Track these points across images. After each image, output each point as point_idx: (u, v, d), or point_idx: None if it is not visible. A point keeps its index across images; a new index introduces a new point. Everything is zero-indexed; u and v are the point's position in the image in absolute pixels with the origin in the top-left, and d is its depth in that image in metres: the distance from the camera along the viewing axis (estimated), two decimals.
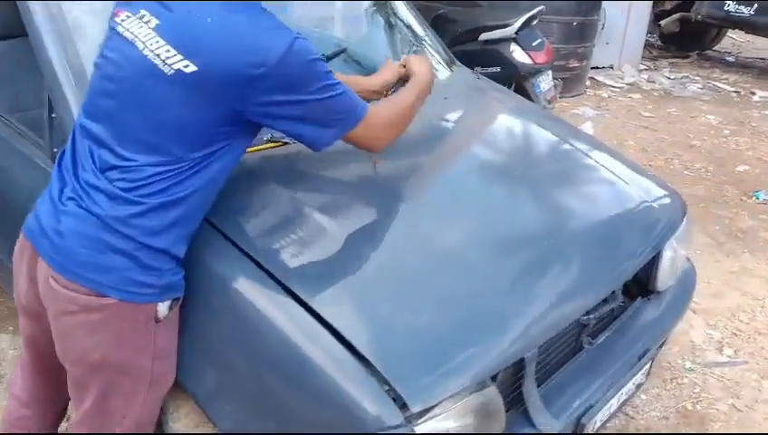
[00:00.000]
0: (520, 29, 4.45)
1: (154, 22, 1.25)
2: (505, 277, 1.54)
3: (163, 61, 1.23)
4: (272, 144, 1.73)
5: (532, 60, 4.46)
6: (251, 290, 1.36)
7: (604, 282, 1.66)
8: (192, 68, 1.21)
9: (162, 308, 1.35)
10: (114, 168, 1.28)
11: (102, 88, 1.32)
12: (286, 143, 1.72)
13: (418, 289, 1.43)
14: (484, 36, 4.52)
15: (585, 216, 1.83)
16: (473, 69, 4.53)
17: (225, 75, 1.21)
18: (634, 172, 2.09)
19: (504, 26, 4.45)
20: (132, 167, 1.27)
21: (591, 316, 1.65)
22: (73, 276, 1.27)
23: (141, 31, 1.26)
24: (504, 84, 4.48)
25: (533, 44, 4.49)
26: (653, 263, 1.89)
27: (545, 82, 4.60)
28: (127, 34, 1.28)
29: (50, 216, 1.30)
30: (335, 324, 1.29)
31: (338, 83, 1.34)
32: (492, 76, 4.51)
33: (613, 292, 1.74)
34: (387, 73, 1.79)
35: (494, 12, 4.83)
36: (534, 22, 4.56)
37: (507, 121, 2.24)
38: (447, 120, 2.11)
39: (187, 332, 1.43)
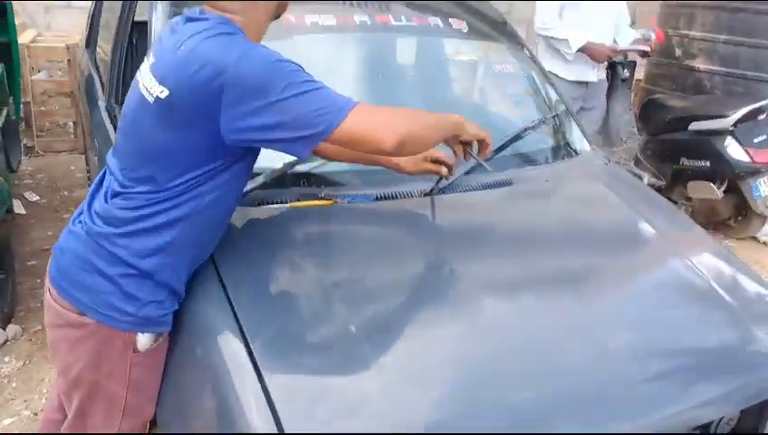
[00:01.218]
0: (740, 121, 3.89)
1: (152, 60, 1.35)
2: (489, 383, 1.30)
3: (148, 91, 1.31)
4: (323, 201, 1.70)
5: (751, 158, 3.86)
6: (217, 340, 1.33)
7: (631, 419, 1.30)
8: (165, 92, 1.27)
9: (142, 339, 1.39)
10: (117, 194, 1.37)
11: (119, 127, 1.44)
12: (336, 202, 1.69)
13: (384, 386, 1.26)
14: (694, 126, 4.04)
15: (659, 342, 1.47)
16: (679, 161, 4.13)
17: (191, 93, 1.25)
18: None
19: (721, 117, 3.93)
20: (128, 193, 1.35)
21: None
22: (62, 292, 1.37)
23: (144, 70, 1.36)
24: (714, 182, 3.98)
25: (755, 141, 3.88)
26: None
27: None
28: (138, 76, 1.38)
29: (63, 235, 1.43)
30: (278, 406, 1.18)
31: (313, 80, 1.27)
32: (699, 171, 4.04)
33: None
34: None
35: (713, 102, 4.30)
36: (762, 116, 3.95)
37: (606, 219, 1.91)
38: (525, 207, 1.88)
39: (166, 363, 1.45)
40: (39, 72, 5.48)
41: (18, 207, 3.84)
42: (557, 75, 3.74)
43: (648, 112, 4.52)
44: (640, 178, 3.21)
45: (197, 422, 1.32)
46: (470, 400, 1.26)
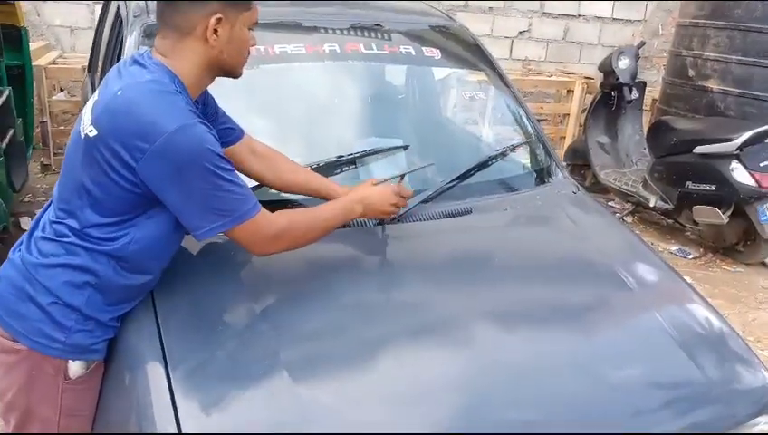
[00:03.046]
0: (746, 145, 3.80)
1: (96, 97, 1.39)
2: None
3: (83, 128, 1.35)
4: None
5: (758, 183, 3.77)
6: (140, 368, 1.34)
7: None
8: (94, 132, 1.31)
9: (74, 367, 1.41)
10: (51, 225, 1.41)
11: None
12: None
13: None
14: (699, 149, 3.96)
15: (602, 377, 1.45)
16: (684, 184, 4.05)
17: (116, 141, 1.28)
18: (713, 345, 1.63)
19: (726, 140, 3.84)
20: (57, 225, 1.38)
21: None
22: None
23: (88, 105, 1.40)
24: (720, 207, 3.88)
25: (761, 165, 3.79)
26: None
27: None
28: (83, 110, 1.42)
29: (4, 264, 1.47)
30: None
31: (229, 179, 1.32)
32: (705, 195, 3.96)
33: None
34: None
35: (719, 125, 4.21)
36: None
37: (558, 250, 1.87)
38: (480, 236, 1.86)
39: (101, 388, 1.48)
40: (61, 91, 5.66)
41: (27, 224, 3.96)
42: None
43: (656, 134, 4.44)
44: (644, 206, 3.10)
45: None
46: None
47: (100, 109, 1.34)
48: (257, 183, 1.72)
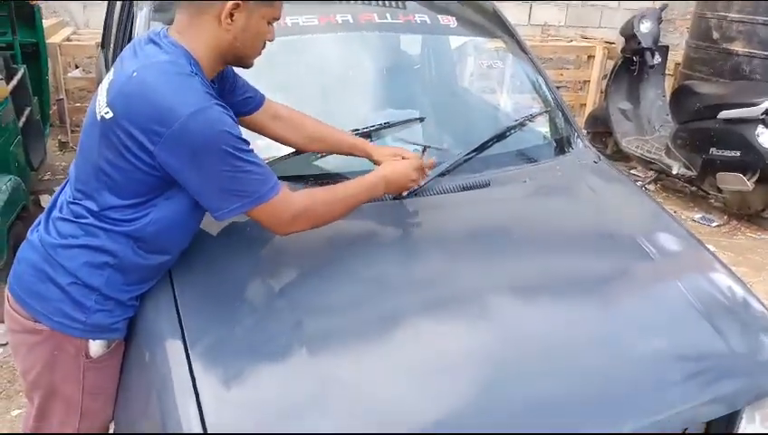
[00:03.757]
0: None
1: (111, 76, 1.36)
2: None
3: (99, 109, 1.33)
4: None
5: None
6: (159, 345, 1.35)
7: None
8: (110, 114, 1.29)
9: (94, 346, 1.42)
10: (67, 205, 1.40)
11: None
12: None
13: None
14: (724, 114, 3.87)
15: (628, 348, 1.43)
16: (708, 151, 3.97)
17: (132, 124, 1.26)
18: (737, 315, 1.58)
19: (751, 105, 3.74)
20: (75, 206, 1.38)
21: None
22: (18, 299, 1.41)
23: (104, 83, 1.38)
24: (745, 173, 3.79)
25: None
26: None
27: None
28: (99, 88, 1.40)
29: (22, 245, 1.47)
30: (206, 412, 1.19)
31: (248, 160, 1.30)
32: (729, 161, 3.87)
33: None
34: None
35: (744, 89, 4.10)
36: None
37: (585, 221, 1.83)
38: (498, 210, 1.83)
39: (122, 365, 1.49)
40: (76, 68, 5.66)
41: (46, 202, 3.99)
42: None
43: (679, 100, 4.35)
44: (666, 174, 3.02)
45: (138, 425, 1.35)
46: (404, 413, 1.24)
47: (115, 90, 1.32)
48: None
